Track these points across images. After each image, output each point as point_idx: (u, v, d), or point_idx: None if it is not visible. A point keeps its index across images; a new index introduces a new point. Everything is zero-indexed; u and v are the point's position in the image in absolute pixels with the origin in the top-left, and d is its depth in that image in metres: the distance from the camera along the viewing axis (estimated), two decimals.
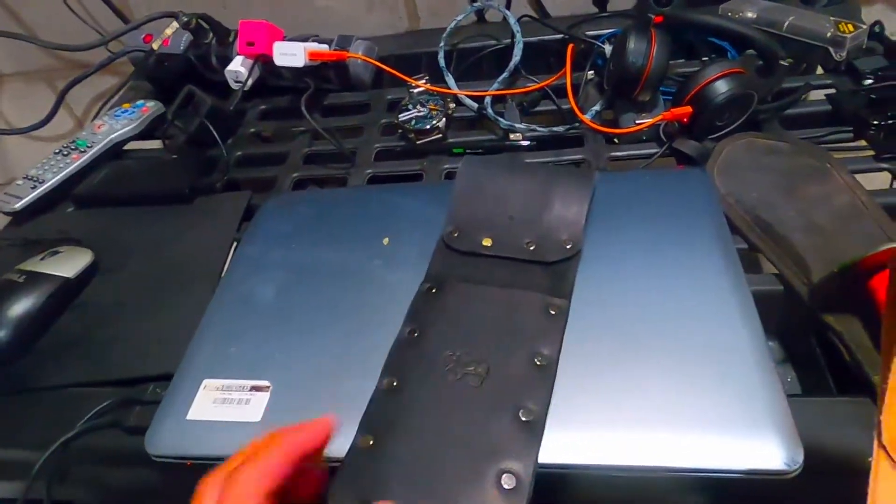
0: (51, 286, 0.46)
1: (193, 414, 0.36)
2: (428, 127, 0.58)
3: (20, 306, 0.45)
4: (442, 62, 0.65)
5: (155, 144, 0.67)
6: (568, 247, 0.39)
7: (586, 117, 0.55)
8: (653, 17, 0.58)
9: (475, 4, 0.69)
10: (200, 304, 0.45)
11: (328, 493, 0.29)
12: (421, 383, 0.33)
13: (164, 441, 0.35)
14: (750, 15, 0.60)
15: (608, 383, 0.33)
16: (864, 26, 0.54)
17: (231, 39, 0.68)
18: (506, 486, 0.29)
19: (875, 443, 0.21)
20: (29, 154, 1.02)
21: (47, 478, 0.39)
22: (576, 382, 0.33)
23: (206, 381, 0.38)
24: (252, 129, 0.66)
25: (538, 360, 0.33)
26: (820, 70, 0.58)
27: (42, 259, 0.48)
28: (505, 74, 0.61)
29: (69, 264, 0.48)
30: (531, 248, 0.39)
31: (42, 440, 0.39)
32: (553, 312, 0.36)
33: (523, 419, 0.31)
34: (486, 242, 0.40)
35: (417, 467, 0.30)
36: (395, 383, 0.34)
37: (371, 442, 0.31)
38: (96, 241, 0.53)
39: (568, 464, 0.31)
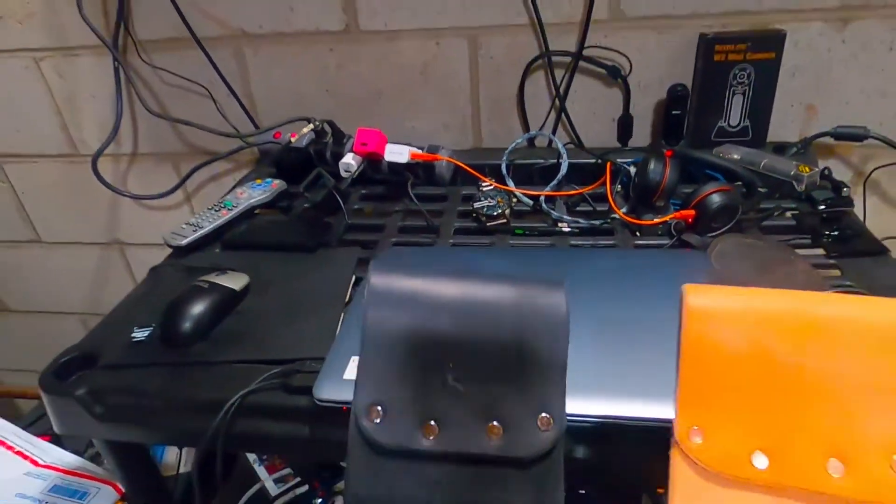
0: (223, 294, 0.63)
1: (348, 375, 0.51)
2: (496, 213, 0.77)
3: (202, 305, 0.61)
4: (504, 170, 0.86)
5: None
6: (546, 431, 0.27)
7: (619, 213, 0.74)
8: (664, 151, 0.80)
9: (530, 133, 0.92)
10: (332, 318, 0.62)
11: None
12: None
13: (327, 391, 0.50)
14: (736, 156, 0.82)
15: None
16: (818, 169, 0.75)
17: (344, 141, 0.90)
18: None
19: (671, 440, 0.24)
20: (136, 219, 1.22)
21: (224, 428, 0.52)
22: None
23: (352, 358, 0.53)
24: (356, 206, 0.85)
25: None
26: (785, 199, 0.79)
27: (217, 275, 0.65)
28: (554, 182, 0.82)
29: (235, 281, 0.65)
30: (495, 440, 0.27)
31: (216, 400, 0.53)
32: None
33: None
34: (428, 432, 0.27)
35: None
36: None
37: None
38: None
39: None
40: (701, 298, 0.28)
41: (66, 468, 0.76)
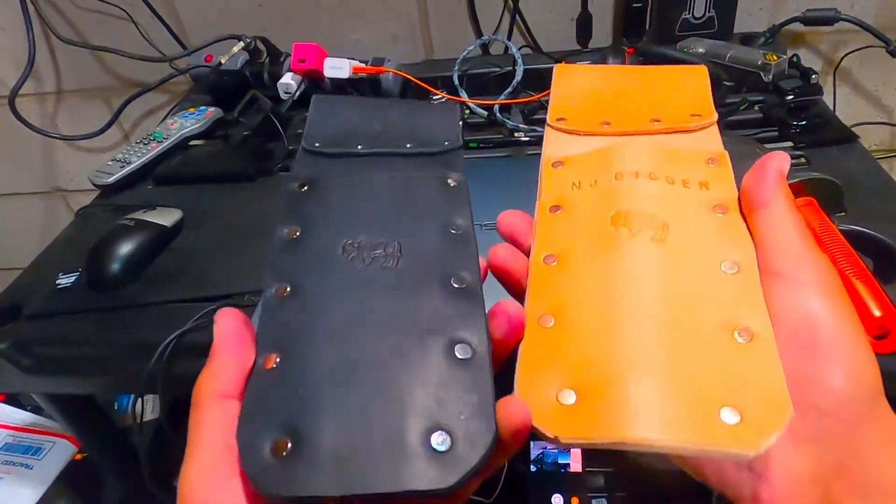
0: (153, 231, 0.58)
1: None
2: None
3: (130, 245, 0.56)
4: (456, 81, 0.80)
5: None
6: (447, 143, 0.35)
7: None
8: (625, 48, 0.75)
9: (483, 39, 0.85)
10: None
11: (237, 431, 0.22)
12: (322, 280, 0.27)
13: None
14: (700, 50, 0.77)
15: None
16: (785, 57, 0.71)
17: (282, 59, 0.82)
18: (459, 356, 0.24)
19: (545, 127, 0.36)
20: (75, 163, 1.14)
21: (161, 372, 0.49)
22: None
23: None
24: (298, 131, 0.79)
25: (453, 230, 0.30)
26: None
27: (145, 212, 0.60)
28: (509, 90, 0.76)
29: (166, 216, 0.60)
30: (409, 146, 0.34)
31: (151, 344, 0.50)
32: (453, 184, 0.32)
33: (456, 286, 0.27)
34: (360, 145, 0.34)
35: (342, 371, 0.23)
36: (287, 289, 0.26)
37: (277, 360, 0.24)
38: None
39: None
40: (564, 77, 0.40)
41: (18, 425, 0.73)
